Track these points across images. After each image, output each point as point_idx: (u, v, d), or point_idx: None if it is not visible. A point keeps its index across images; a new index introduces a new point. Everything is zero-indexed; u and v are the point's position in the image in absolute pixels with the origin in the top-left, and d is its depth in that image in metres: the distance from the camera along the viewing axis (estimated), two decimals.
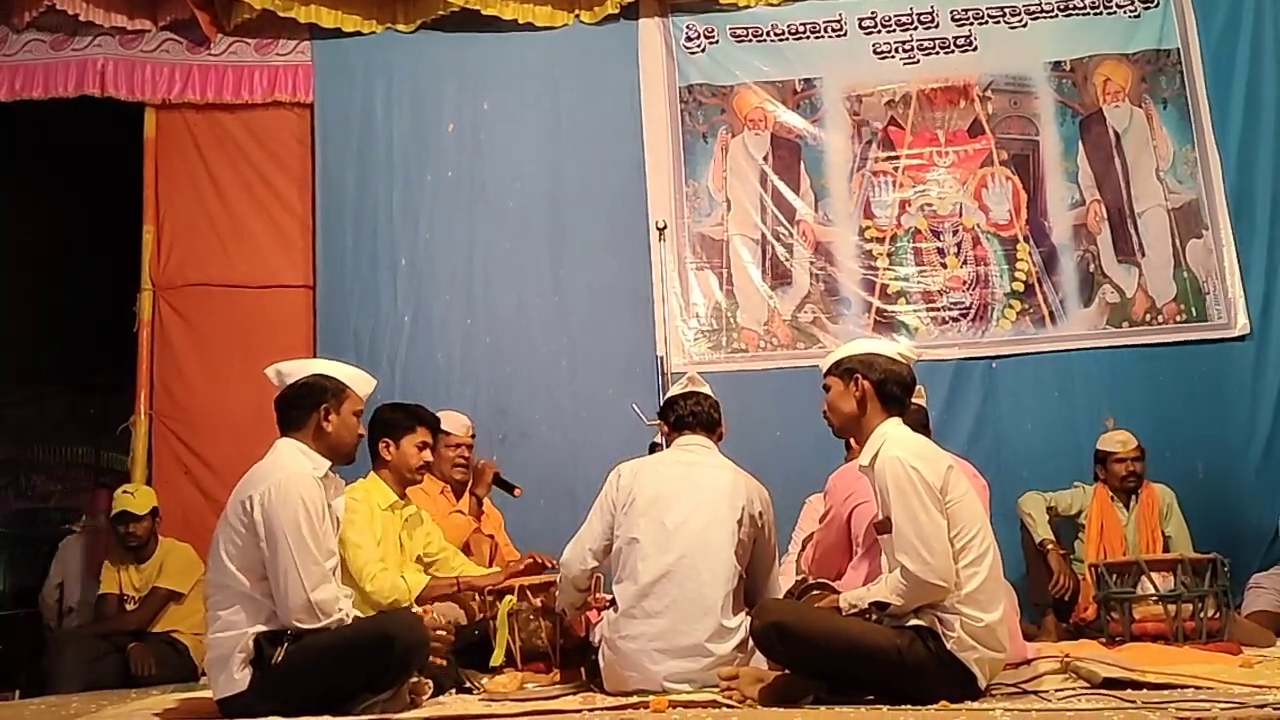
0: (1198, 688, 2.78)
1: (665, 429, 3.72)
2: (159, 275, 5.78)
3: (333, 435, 3.13)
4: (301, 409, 3.13)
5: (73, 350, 8.31)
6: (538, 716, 2.83)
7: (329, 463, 3.12)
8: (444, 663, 3.20)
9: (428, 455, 3.92)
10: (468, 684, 3.43)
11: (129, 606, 4.84)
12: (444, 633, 3.13)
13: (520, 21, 5.92)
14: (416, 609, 3.27)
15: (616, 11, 5.95)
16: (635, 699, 3.02)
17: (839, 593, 3.12)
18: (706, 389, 3.69)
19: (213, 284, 5.80)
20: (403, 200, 5.85)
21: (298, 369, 3.22)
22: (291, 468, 3.01)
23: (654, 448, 4.46)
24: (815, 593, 3.22)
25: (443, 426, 4.36)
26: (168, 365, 5.70)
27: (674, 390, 3.74)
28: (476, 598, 3.79)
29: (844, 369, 3.12)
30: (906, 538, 2.82)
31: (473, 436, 4.62)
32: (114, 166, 6.24)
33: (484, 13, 5.86)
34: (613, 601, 3.37)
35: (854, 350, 3.18)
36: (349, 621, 2.94)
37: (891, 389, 3.08)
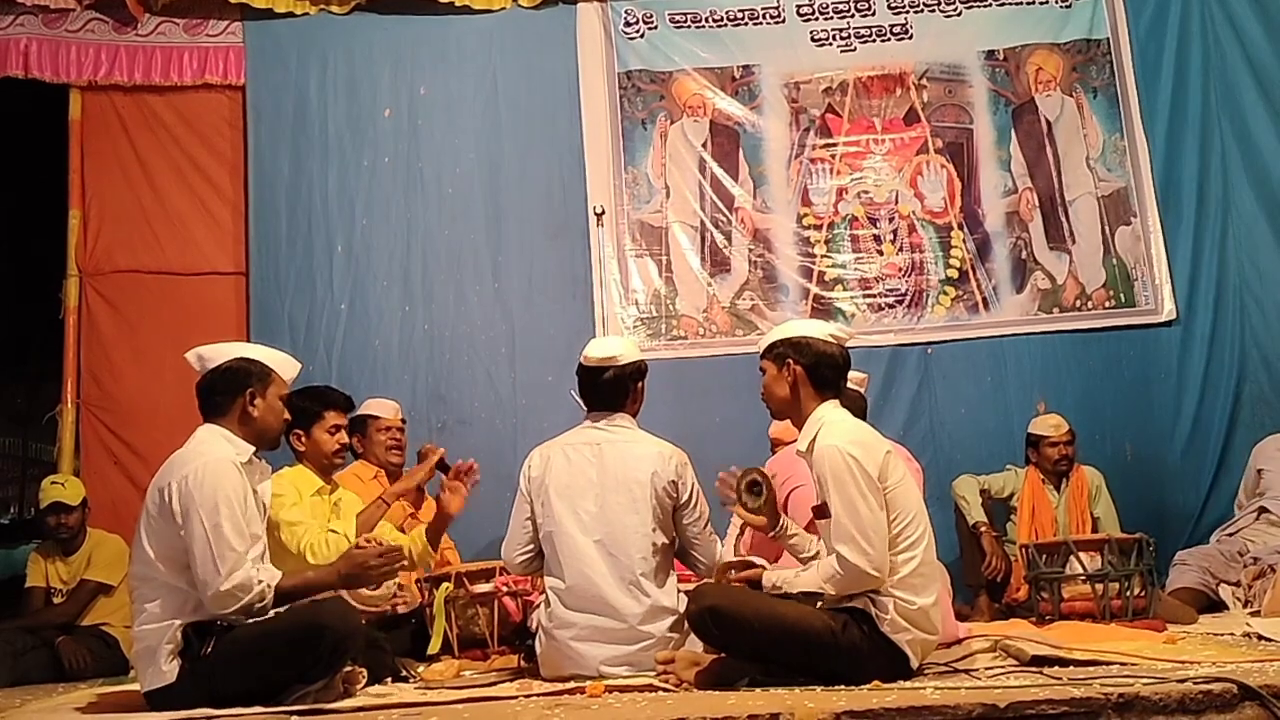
0: (1122, 664, 2.84)
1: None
2: (85, 261, 5.64)
3: (259, 420, 3.09)
4: (226, 394, 3.08)
5: None
6: (475, 704, 2.81)
7: (252, 448, 3.07)
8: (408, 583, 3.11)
9: (343, 438, 3.79)
10: (404, 672, 3.41)
11: (56, 600, 4.74)
12: (392, 554, 3.05)
13: (457, 4, 5.84)
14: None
15: None
16: (572, 684, 3.02)
17: (762, 567, 3.13)
18: (618, 355, 3.43)
19: (142, 270, 5.68)
20: (338, 186, 5.76)
21: (220, 353, 3.15)
22: (212, 453, 2.96)
23: None
24: (735, 566, 3.20)
25: (372, 411, 4.30)
26: (95, 353, 5.57)
27: (579, 364, 3.52)
28: (416, 585, 3.76)
29: (776, 353, 3.12)
30: (844, 528, 2.84)
31: (403, 420, 4.56)
32: (38, 150, 6.08)
33: None
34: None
35: (786, 333, 3.16)
36: (269, 597, 2.89)
37: (824, 372, 3.08)
